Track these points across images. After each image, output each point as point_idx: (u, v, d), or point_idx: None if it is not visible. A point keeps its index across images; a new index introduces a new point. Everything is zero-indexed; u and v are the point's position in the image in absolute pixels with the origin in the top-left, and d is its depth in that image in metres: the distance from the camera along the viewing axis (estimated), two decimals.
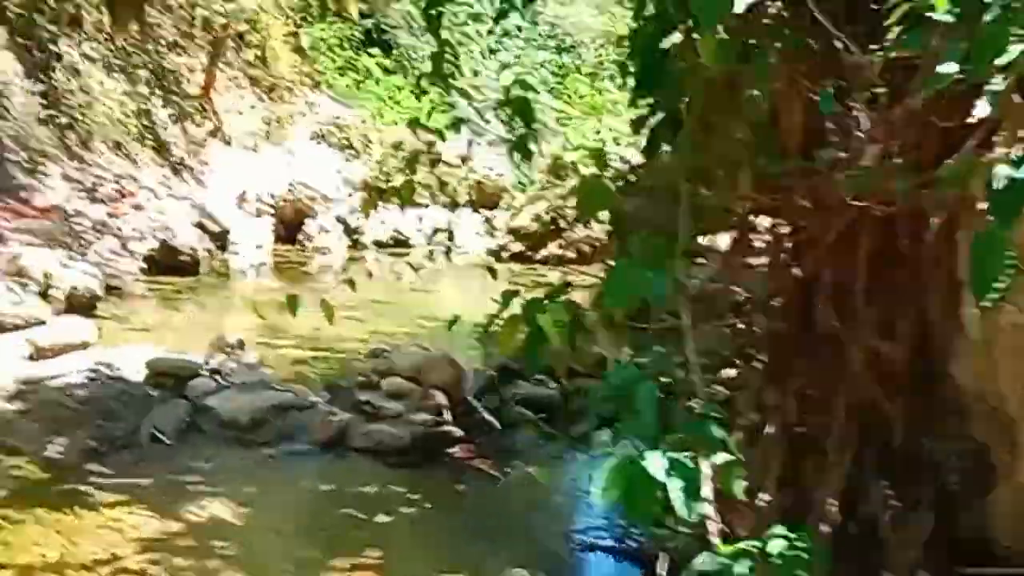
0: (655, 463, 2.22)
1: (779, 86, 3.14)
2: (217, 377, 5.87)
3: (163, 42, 13.55)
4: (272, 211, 14.18)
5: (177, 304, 9.12)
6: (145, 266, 10.23)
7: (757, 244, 4.12)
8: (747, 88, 3.04)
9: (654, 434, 2.34)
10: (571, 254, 14.68)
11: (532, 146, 4.25)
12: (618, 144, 14.92)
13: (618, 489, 2.24)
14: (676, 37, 3.23)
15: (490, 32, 23.05)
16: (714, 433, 2.39)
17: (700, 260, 4.02)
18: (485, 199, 17.82)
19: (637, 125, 3.96)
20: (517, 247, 14.94)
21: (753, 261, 4.09)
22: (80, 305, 7.76)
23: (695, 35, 2.93)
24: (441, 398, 5.84)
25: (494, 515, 4.94)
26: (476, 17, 19.70)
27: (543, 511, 5.09)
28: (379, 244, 14.58)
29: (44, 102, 10.57)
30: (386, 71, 19.61)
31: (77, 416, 5.25)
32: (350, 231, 14.23)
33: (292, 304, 3.79)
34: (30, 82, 10.48)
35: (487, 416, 5.99)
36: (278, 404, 5.62)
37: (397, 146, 17.06)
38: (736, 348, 4.10)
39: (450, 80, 3.56)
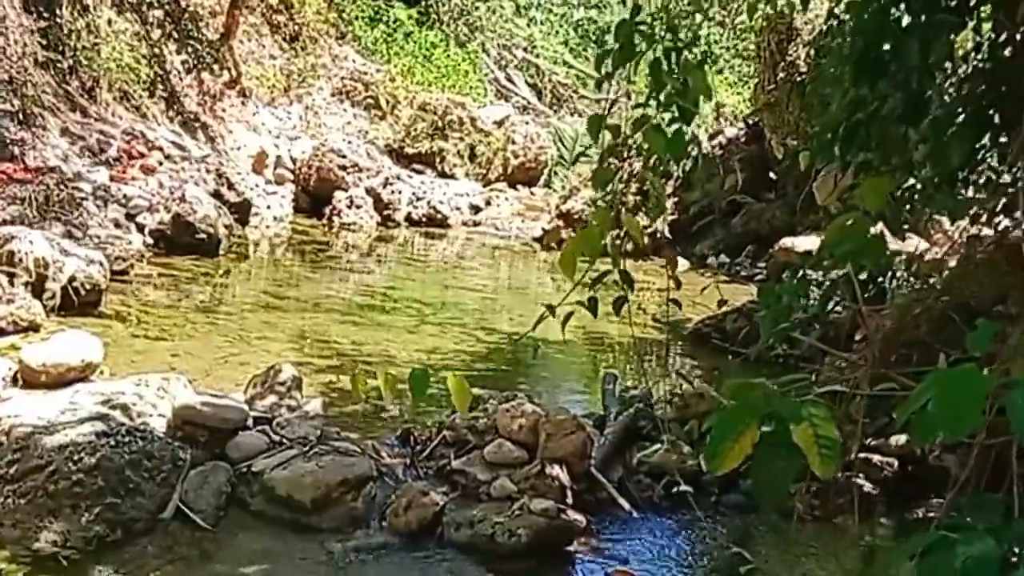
0: None
1: None
2: (267, 430, 4.40)
3: None
4: (293, 178, 12.63)
5: (196, 298, 7.59)
6: (152, 242, 8.71)
7: None
8: None
9: None
10: (628, 245, 13.17)
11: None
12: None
13: None
14: None
15: None
16: None
17: None
18: (523, 174, 16.20)
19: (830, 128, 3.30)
20: (566, 234, 13.40)
21: None
22: (81, 301, 6.26)
23: None
24: (563, 475, 4.39)
25: None
26: None
27: None
28: (412, 222, 13.05)
29: (44, 42, 8.89)
30: (419, 24, 17.90)
31: (81, 489, 3.79)
32: (381, 207, 12.67)
33: (420, 383, 2.32)
34: (29, 17, 8.81)
35: (619, 498, 4.56)
36: (352, 477, 4.16)
37: (425, 107, 15.47)
38: None
39: None
